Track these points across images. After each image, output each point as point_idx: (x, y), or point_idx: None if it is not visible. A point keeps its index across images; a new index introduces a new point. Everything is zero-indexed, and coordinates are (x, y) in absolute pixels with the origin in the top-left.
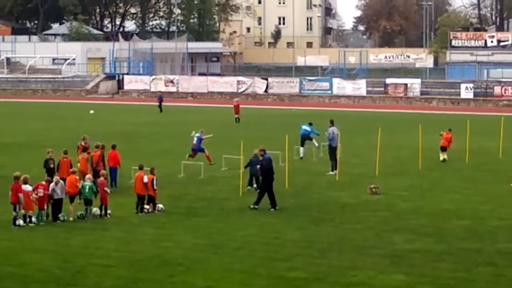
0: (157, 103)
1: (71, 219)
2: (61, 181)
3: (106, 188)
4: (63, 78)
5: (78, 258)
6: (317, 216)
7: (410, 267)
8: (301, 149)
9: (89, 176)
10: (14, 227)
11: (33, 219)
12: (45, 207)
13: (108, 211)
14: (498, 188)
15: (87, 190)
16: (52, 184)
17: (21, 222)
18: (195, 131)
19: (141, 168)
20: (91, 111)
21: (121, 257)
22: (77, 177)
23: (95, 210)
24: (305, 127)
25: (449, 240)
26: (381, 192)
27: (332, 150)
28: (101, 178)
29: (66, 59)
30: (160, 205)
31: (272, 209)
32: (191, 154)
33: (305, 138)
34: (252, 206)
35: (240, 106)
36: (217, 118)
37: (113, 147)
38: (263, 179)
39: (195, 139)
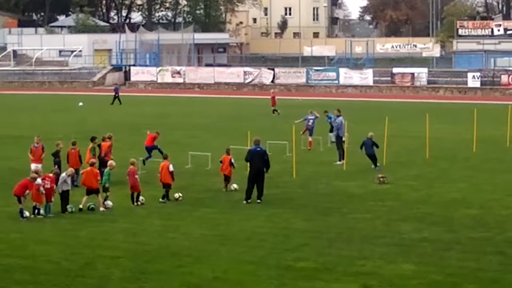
0: (113, 94)
1: (101, 209)
2: (63, 175)
3: (136, 176)
4: (70, 70)
5: (86, 249)
6: (325, 206)
7: (419, 257)
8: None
9: (110, 162)
10: (22, 219)
11: (41, 211)
12: (53, 199)
13: (141, 198)
14: (506, 177)
15: (107, 177)
16: (63, 176)
17: (27, 213)
18: (310, 113)
19: (166, 157)
20: (80, 103)
21: (129, 249)
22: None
23: (108, 202)
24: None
25: (457, 229)
26: (389, 182)
27: (339, 140)
28: (131, 167)
29: (72, 51)
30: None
31: (258, 201)
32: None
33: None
34: (258, 201)
35: (276, 97)
36: (224, 109)
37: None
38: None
39: (311, 121)
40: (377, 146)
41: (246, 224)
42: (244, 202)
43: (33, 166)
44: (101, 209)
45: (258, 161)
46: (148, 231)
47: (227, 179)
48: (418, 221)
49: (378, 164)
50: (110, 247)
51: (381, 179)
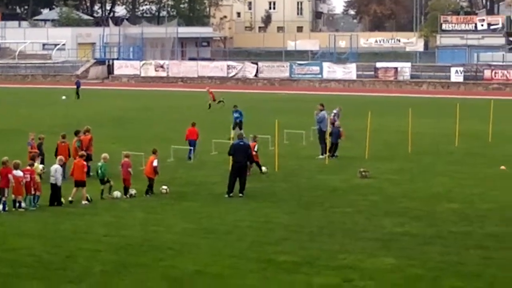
0: (75, 88)
1: (83, 202)
2: (57, 166)
3: (130, 169)
4: (53, 63)
5: (67, 243)
6: (307, 200)
7: (400, 251)
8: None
9: (105, 155)
10: (3, 212)
11: (23, 204)
12: (33, 192)
13: (133, 191)
14: (488, 171)
15: (102, 171)
16: (52, 169)
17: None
18: (335, 109)
19: (154, 152)
20: (63, 97)
21: (111, 242)
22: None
23: (116, 193)
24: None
25: (439, 224)
26: (371, 176)
27: (322, 134)
28: (125, 159)
29: (56, 45)
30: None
31: (240, 194)
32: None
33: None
34: (240, 195)
35: (211, 90)
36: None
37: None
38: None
39: (332, 115)
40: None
41: (227, 218)
42: (226, 195)
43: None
44: (83, 202)
45: (241, 155)
46: (130, 225)
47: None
48: (399, 215)
49: (336, 154)
50: (92, 240)
51: (363, 173)
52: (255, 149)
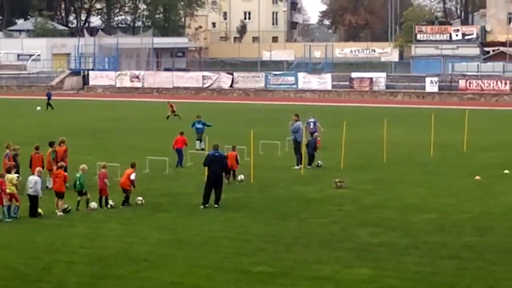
0: (46, 99)
1: (58, 213)
2: (37, 178)
3: (106, 180)
4: (28, 74)
5: (43, 254)
6: (283, 211)
7: (375, 261)
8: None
9: (83, 167)
10: None
11: None
12: (4, 203)
13: (111, 202)
14: (462, 181)
15: (80, 182)
16: (31, 180)
17: None
18: (311, 118)
19: (133, 166)
20: (38, 108)
21: (86, 254)
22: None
23: (93, 204)
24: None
25: (414, 234)
26: (347, 186)
27: (297, 145)
28: (103, 170)
29: (31, 55)
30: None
31: (216, 205)
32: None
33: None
34: (215, 206)
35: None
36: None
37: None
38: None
39: (311, 124)
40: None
41: (203, 229)
42: (202, 206)
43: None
44: (59, 213)
45: (217, 166)
46: (106, 236)
47: (233, 173)
48: (375, 225)
49: (320, 164)
50: (67, 252)
51: (338, 183)
52: (238, 158)
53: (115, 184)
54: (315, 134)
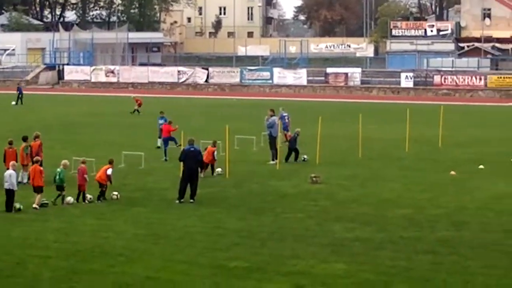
0: (17, 94)
1: (34, 205)
2: (12, 172)
3: (85, 175)
4: (3, 68)
5: (17, 249)
6: (258, 206)
7: (351, 256)
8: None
9: (64, 162)
10: None
11: None
12: None
13: (89, 196)
14: (437, 176)
15: (61, 177)
16: (6, 175)
17: None
18: (284, 113)
19: (110, 162)
20: (13, 102)
21: (61, 248)
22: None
23: (69, 199)
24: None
25: (389, 229)
26: (322, 182)
27: (273, 140)
28: (82, 165)
29: (5, 50)
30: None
31: (191, 200)
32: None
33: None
34: (191, 201)
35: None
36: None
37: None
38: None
39: (286, 118)
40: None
41: (178, 224)
42: (177, 201)
43: None
44: (34, 206)
45: (192, 161)
46: (81, 231)
47: (210, 166)
48: (350, 220)
49: (301, 159)
50: (42, 247)
51: (314, 179)
52: (215, 155)
53: (91, 179)
54: (297, 130)
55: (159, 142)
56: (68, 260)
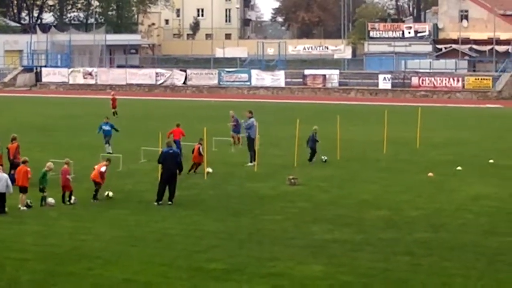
0: None
1: (21, 208)
2: (5, 175)
3: (68, 176)
4: None
5: None
6: (236, 208)
7: (329, 257)
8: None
9: (49, 164)
10: None
11: None
12: None
13: (73, 198)
14: (415, 178)
15: (45, 178)
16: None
17: None
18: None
19: (107, 160)
20: None
21: (39, 251)
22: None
23: (50, 200)
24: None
25: (367, 230)
26: (300, 183)
27: (251, 141)
28: (65, 166)
29: None
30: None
31: (169, 202)
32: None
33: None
34: (169, 203)
35: (117, 97)
36: (136, 110)
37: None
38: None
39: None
40: (317, 141)
41: (157, 226)
42: (155, 203)
43: None
44: (21, 208)
45: (171, 163)
46: (59, 233)
47: (196, 165)
48: (328, 222)
49: (312, 161)
50: (20, 249)
51: (292, 180)
52: (200, 151)
53: (87, 178)
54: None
55: (107, 148)
56: (46, 263)
